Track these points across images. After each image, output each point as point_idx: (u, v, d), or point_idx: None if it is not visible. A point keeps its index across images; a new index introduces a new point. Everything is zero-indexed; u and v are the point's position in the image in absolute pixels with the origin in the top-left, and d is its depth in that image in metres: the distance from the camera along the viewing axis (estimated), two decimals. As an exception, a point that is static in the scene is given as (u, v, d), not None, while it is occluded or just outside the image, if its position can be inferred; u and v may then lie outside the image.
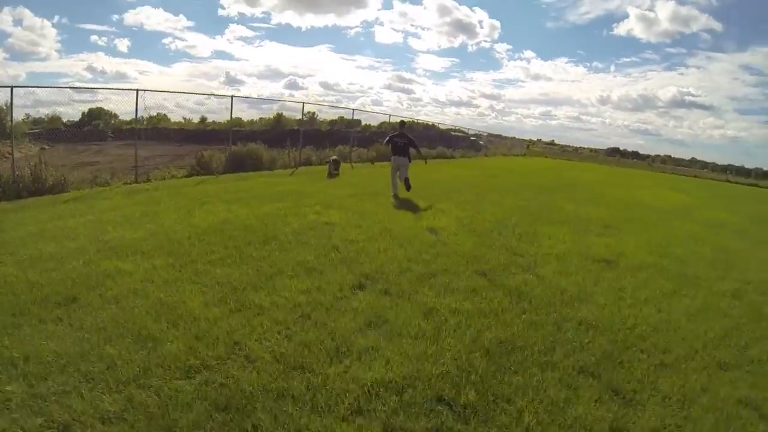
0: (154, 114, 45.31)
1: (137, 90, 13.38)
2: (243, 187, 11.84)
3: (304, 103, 21.02)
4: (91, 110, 41.39)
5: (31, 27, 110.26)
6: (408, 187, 11.45)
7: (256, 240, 6.61)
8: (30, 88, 12.24)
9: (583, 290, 5.50)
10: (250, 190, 11.34)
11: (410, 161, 11.81)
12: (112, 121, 39.81)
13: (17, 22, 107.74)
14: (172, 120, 52.82)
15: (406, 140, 11.69)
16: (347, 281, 5.11)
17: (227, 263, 5.60)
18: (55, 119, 35.13)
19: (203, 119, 48.81)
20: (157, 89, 14.95)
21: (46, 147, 33.62)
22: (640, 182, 28.75)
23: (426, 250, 6.54)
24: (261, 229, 7.23)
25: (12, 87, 10.90)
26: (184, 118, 52.62)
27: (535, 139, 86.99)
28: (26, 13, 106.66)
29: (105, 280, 4.98)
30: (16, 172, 10.99)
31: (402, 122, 13.02)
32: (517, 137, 62.77)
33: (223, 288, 4.84)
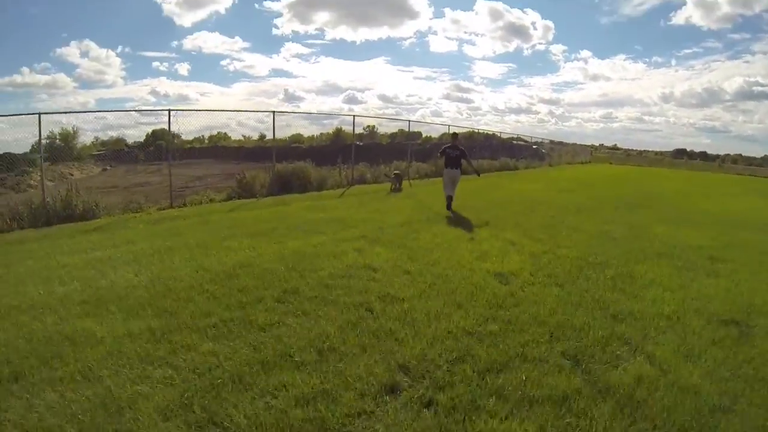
0: (215, 133, 45.96)
1: (169, 110, 12.74)
2: (280, 214, 10.51)
3: (354, 116, 19.50)
4: (155, 131, 42.88)
5: (96, 58, 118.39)
6: (449, 206, 11.20)
7: (271, 294, 5.05)
8: (100, 113, 12.77)
9: (722, 390, 3.46)
10: (286, 218, 9.96)
11: (461, 173, 11.87)
12: (175, 141, 41.18)
13: (84, 53, 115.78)
14: (233, 138, 53.33)
15: (459, 152, 11.68)
16: (375, 376, 3.39)
17: (221, 333, 4.10)
18: (119, 141, 36.30)
19: (262, 136, 48.77)
20: (185, 108, 14.37)
21: (108, 168, 34.65)
22: (723, 189, 25.29)
23: (493, 314, 4.67)
24: (282, 277, 5.68)
25: (39, 114, 10.62)
26: (244, 136, 52.99)
27: (597, 144, 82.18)
28: (92, 45, 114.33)
29: (66, 348, 3.84)
30: (47, 198, 10.21)
31: (455, 134, 13.15)
32: (578, 143, 58.51)
33: (199, 380, 3.33)
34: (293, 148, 46.90)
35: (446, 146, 11.96)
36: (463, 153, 11.74)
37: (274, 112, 15.63)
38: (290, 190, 15.20)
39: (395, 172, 17.39)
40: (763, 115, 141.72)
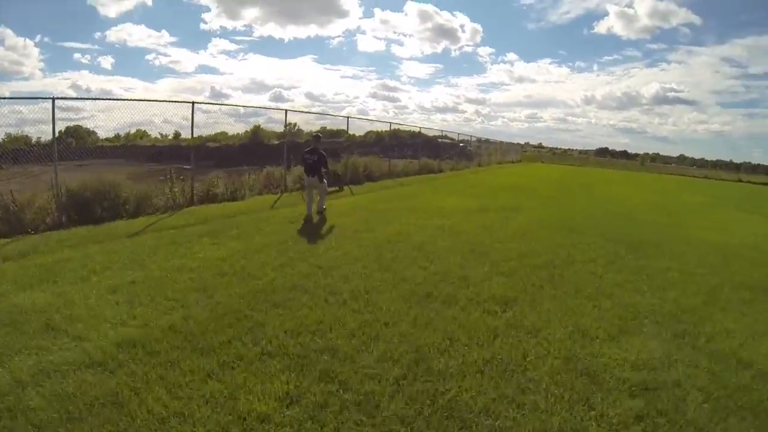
0: (134, 130, 38.68)
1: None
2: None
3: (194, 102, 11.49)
4: (68, 128, 34.91)
5: (13, 47, 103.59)
6: (319, 214, 9.32)
7: None
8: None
9: None
10: None
11: (323, 182, 9.45)
12: (89, 138, 33.98)
13: None
14: (152, 136, 45.44)
15: (317, 156, 9.19)
16: None
17: None
18: (18, 138, 28.59)
19: (177, 134, 40.87)
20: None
21: None
22: (690, 197, 20.29)
23: None
24: None
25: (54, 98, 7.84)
26: (161, 134, 44.90)
27: (523, 143, 78.43)
28: (8, 33, 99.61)
29: None
30: None
31: (317, 135, 9.92)
32: (504, 141, 51.47)
33: None
34: (201, 148, 39.18)
35: (305, 150, 9.49)
36: (321, 158, 9.18)
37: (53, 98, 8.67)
38: (93, 216, 8.68)
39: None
40: (676, 118, 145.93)
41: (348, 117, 17.51)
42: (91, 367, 3.33)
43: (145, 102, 11.00)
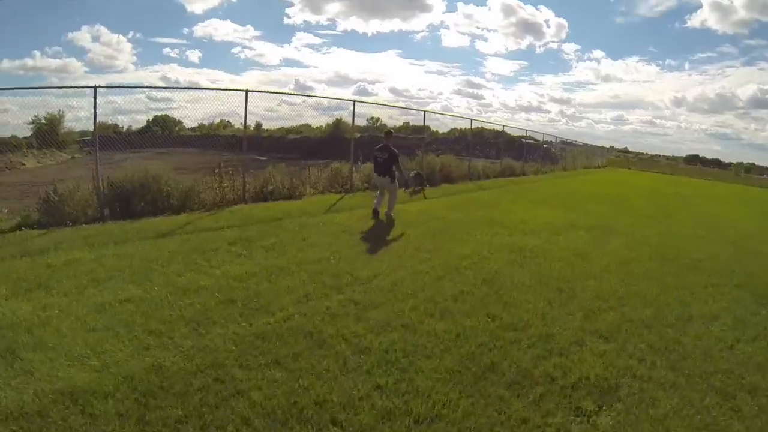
0: (218, 120, 40.70)
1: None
2: None
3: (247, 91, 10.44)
4: (155, 117, 37.20)
5: (108, 42, 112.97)
6: (387, 218, 8.48)
7: None
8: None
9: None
10: None
11: (394, 182, 8.66)
12: (176, 128, 35.98)
13: (95, 38, 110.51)
14: (235, 127, 47.15)
15: (388, 154, 8.46)
16: None
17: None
18: (107, 126, 30.54)
19: (258, 125, 41.69)
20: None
21: (77, 156, 28.66)
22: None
23: None
24: None
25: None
26: (242, 125, 46.34)
27: (608, 146, 72.16)
28: (103, 30, 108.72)
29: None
30: None
31: (388, 132, 9.06)
32: (589, 144, 46.68)
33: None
34: (278, 140, 39.30)
35: (376, 147, 8.81)
36: (392, 157, 8.44)
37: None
38: (133, 211, 8.18)
39: (413, 172, 12.98)
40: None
41: (425, 111, 16.07)
42: (18, 420, 2.55)
43: (212, 91, 10.79)
